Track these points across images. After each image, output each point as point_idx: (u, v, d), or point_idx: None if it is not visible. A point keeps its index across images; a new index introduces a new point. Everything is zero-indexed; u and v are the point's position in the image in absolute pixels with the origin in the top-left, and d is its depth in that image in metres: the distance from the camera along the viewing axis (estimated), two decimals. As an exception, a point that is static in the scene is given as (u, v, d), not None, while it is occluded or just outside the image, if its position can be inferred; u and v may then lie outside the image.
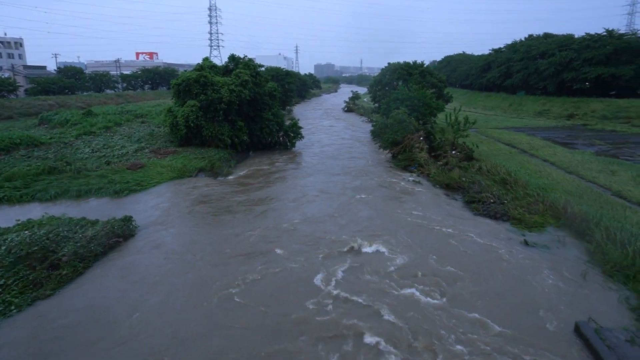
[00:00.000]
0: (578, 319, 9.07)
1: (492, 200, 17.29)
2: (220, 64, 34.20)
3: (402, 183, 21.47)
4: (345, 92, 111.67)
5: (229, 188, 20.69)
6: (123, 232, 14.06)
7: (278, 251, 13.08)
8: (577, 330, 8.78)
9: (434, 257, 12.66)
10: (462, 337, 8.88)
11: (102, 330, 9.13)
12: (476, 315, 9.58)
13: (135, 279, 11.47)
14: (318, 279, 11.32)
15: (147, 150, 26.92)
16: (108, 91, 75.60)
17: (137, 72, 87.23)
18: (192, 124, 27.13)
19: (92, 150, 26.04)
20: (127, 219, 14.71)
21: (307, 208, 17.60)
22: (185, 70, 32.46)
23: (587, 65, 49.97)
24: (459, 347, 8.56)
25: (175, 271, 11.97)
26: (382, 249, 13.18)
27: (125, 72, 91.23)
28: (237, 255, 13.04)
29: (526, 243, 13.44)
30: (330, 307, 10.05)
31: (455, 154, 25.23)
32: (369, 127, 41.90)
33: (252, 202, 18.45)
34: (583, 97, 51.30)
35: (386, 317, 9.58)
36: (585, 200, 16.41)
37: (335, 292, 10.69)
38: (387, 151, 28.38)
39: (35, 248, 11.92)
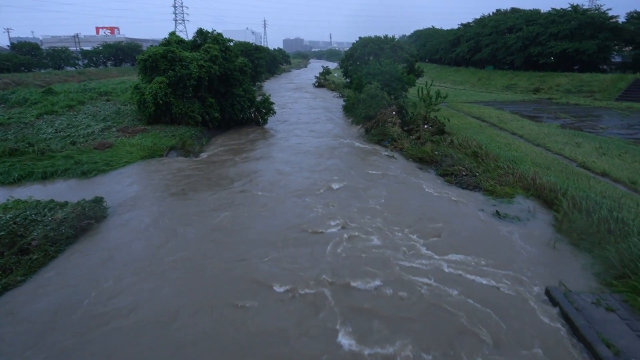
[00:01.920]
0: (548, 284, 9.50)
1: (464, 173, 17.67)
2: (187, 39, 33.05)
3: (377, 158, 21.62)
4: (315, 67, 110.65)
5: (202, 166, 20.35)
6: (95, 213, 13.64)
7: (258, 228, 13.08)
8: (548, 294, 9.20)
9: (412, 210, 13.30)
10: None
11: (79, 313, 8.93)
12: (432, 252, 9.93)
13: (109, 260, 11.18)
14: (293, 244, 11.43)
15: (114, 129, 25.96)
16: (68, 68, 71.94)
17: (98, 47, 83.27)
18: (160, 101, 26.29)
19: (56, 130, 24.92)
20: (98, 200, 14.28)
21: (282, 183, 17.63)
22: (151, 46, 31.20)
23: (553, 40, 51.06)
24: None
25: (150, 251, 11.75)
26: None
27: (85, 48, 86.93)
28: (213, 232, 13.02)
29: (498, 214, 13.85)
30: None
31: (427, 128, 25.52)
32: (340, 102, 41.93)
33: (227, 179, 18.26)
34: (549, 71, 52.58)
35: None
36: (552, 171, 17.00)
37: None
38: (360, 126, 28.43)
39: (2, 233, 11.43)
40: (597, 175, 16.76)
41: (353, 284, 10.04)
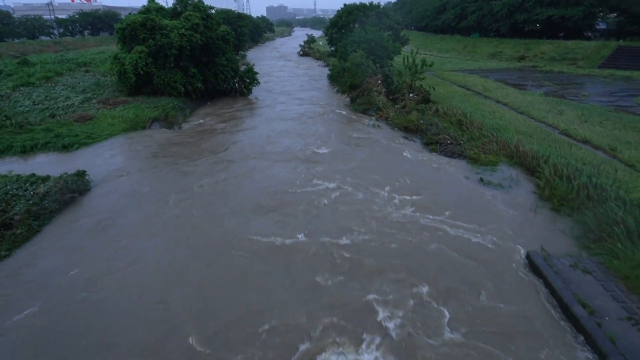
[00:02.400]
0: (529, 247, 9.81)
1: (449, 142, 17.80)
2: (167, 7, 31.97)
3: (362, 126, 21.59)
4: (299, 35, 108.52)
5: (186, 137, 20.11)
6: (78, 187, 13.47)
7: (244, 192, 13.12)
8: (529, 258, 9.50)
9: (395, 174, 14.24)
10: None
11: (65, 287, 8.95)
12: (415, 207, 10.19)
13: (95, 233, 11.13)
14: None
15: (94, 100, 25.30)
16: (43, 38, 69.05)
17: (74, 16, 79.90)
18: (141, 72, 25.61)
19: (34, 102, 24.17)
20: (81, 174, 14.07)
21: (268, 149, 17.79)
22: (130, 14, 30.13)
23: (539, 7, 50.63)
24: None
25: (139, 216, 11.76)
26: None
27: (60, 17, 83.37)
28: (202, 195, 13.51)
29: (482, 181, 14.08)
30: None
31: (412, 96, 25.45)
32: (325, 71, 41.40)
33: (212, 148, 18.19)
34: (534, 38, 52.41)
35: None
36: (535, 139, 17.23)
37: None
38: (346, 95, 28.22)
39: (-17, 208, 11.30)
40: (578, 142, 17.04)
41: (337, 234, 10.95)
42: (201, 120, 23.86)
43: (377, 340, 7.41)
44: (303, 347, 7.23)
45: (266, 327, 7.72)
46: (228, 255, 10.10)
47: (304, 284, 9.01)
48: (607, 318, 7.46)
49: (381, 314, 7.98)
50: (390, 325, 7.75)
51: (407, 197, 13.08)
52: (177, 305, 8.35)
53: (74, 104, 24.17)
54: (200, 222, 11.74)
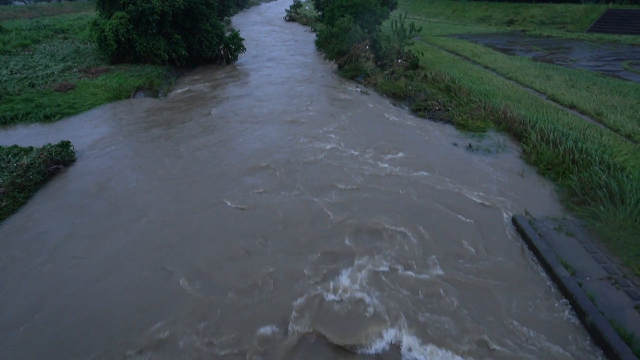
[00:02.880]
0: (514, 209, 9.99)
1: (437, 108, 17.75)
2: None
3: (349, 94, 21.37)
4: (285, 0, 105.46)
5: (172, 106, 19.73)
6: (62, 158, 13.25)
7: (232, 157, 13.06)
8: (514, 222, 9.68)
9: (381, 136, 15.02)
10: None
11: (54, 257, 8.94)
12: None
13: (81, 204, 11.02)
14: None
15: (75, 69, 24.57)
16: (17, 3, 66.13)
17: (48, -21, 76.51)
18: (122, 39, 24.84)
19: (11, 71, 23.37)
20: (65, 144, 13.80)
21: (256, 112, 17.89)
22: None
23: (529, -32, 49.69)
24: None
25: (122, 193, 11.63)
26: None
27: (34, -20, 79.69)
28: (195, 153, 14.19)
29: (470, 147, 14.14)
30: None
31: (401, 62, 25.17)
32: (312, 37, 40.54)
33: (201, 114, 18.12)
34: (523, 2, 51.60)
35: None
36: (523, 104, 17.26)
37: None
38: (333, 62, 27.77)
39: (-35, 180, 11.08)
40: (565, 107, 17.11)
41: (325, 186, 11.82)
42: (187, 88, 23.38)
43: (364, 274, 8.19)
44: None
45: (259, 265, 8.64)
46: (223, 206, 10.88)
47: (294, 230, 9.81)
48: (587, 278, 7.70)
49: (360, 256, 8.43)
50: (370, 264, 8.41)
51: (394, 156, 13.62)
52: (179, 250, 9.14)
53: (53, 72, 23.45)
54: (194, 180, 12.33)
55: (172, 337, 6.83)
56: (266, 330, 6.93)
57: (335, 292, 7.75)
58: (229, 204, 10.94)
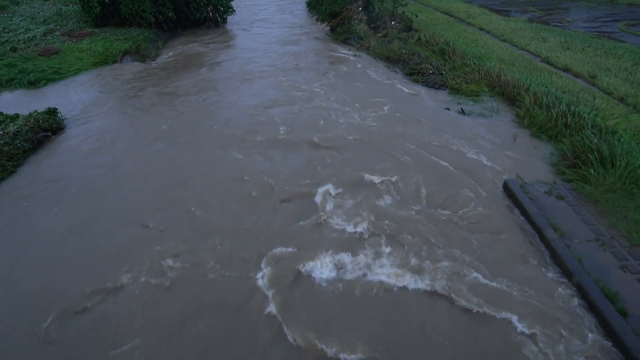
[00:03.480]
0: (507, 177, 10.07)
1: (431, 72, 17.53)
2: None
3: (342, 58, 20.99)
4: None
5: (161, 71, 19.29)
6: (50, 125, 13.01)
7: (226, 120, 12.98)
8: (505, 186, 9.78)
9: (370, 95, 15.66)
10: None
11: (52, 226, 8.96)
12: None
13: (72, 173, 10.92)
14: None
15: (57, 32, 23.71)
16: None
17: None
18: (106, 0, 23.93)
19: (-10, 35, 22.62)
20: (52, 111, 13.53)
21: (250, 83, 17.40)
22: None
23: None
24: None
25: (116, 160, 11.53)
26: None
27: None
28: (190, 110, 14.64)
29: (462, 111, 14.09)
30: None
31: (394, 24, 24.60)
32: (303, -1, 39.37)
33: (192, 77, 17.89)
34: (520, -40, 50.15)
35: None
36: (517, 67, 17.09)
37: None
38: (325, 24, 27.09)
39: (-49, 149, 10.89)
40: (559, 70, 16.98)
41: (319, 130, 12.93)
42: (175, 52, 22.80)
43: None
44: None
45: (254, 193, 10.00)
46: (223, 149, 11.94)
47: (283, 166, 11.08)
48: (576, 240, 7.88)
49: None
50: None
51: (386, 114, 14.09)
52: (184, 190, 10.12)
53: (35, 36, 22.66)
54: (194, 132, 13.07)
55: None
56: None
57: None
58: (228, 148, 12.00)
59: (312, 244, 8.16)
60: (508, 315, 6.56)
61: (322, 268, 7.56)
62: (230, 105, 15.16)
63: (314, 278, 7.37)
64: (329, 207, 9.24)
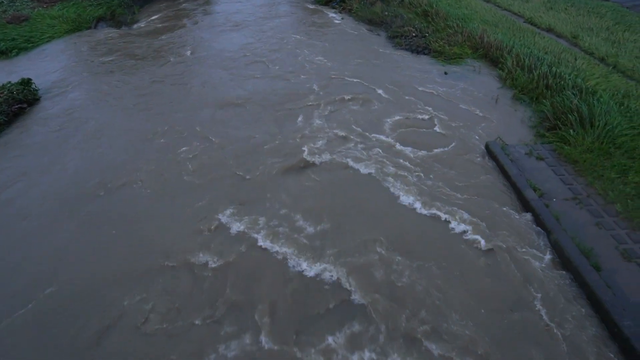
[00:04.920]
0: (488, 139, 10.18)
1: (414, 34, 17.29)
2: None
3: (323, 20, 20.54)
4: None
5: (138, 38, 18.66)
6: (25, 97, 12.64)
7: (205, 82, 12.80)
8: (487, 148, 9.90)
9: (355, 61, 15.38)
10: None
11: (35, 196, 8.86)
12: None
13: (51, 145, 10.70)
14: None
15: (26, -2, 22.69)
16: None
17: None
18: (76, -37, 22.76)
19: (-46, 1, 21.49)
20: (26, 82, 13.12)
21: (231, 48, 17.00)
22: None
23: None
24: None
25: (96, 129, 11.30)
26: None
27: None
28: (172, 75, 14.44)
29: (445, 74, 14.04)
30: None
31: (377, -14, 23.98)
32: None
33: (169, 49, 17.12)
34: None
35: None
36: (500, 28, 16.95)
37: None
38: (306, -14, 26.31)
39: None
40: (542, 30, 16.90)
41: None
42: (153, 17, 22.02)
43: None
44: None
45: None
46: (205, 109, 12.24)
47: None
48: (554, 199, 8.09)
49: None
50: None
51: (361, 76, 14.04)
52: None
53: (2, 2, 21.59)
54: (178, 93, 13.28)
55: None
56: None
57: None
58: (214, 107, 12.34)
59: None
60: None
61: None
62: (215, 67, 15.13)
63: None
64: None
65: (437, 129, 10.90)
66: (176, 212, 8.22)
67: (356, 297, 6.38)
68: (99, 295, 6.54)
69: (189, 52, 16.45)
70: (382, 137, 10.52)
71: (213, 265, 6.97)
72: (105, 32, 19.28)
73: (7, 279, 6.92)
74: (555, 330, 5.91)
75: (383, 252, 7.16)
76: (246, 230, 7.67)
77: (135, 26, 20.71)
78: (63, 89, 13.68)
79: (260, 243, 7.38)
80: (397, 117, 11.49)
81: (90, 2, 22.02)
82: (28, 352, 5.80)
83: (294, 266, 6.93)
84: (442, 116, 11.44)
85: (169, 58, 15.96)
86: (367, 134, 10.65)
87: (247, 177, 9.14)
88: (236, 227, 7.77)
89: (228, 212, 8.10)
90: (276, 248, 7.28)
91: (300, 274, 6.80)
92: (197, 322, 6.09)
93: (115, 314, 6.22)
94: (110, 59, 15.95)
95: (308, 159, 9.68)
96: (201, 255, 7.19)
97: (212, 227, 7.77)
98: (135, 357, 5.69)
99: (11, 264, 7.20)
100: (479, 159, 9.71)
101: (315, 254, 7.13)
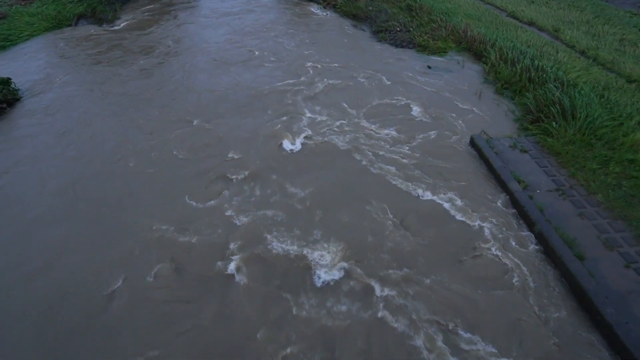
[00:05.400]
0: (473, 133, 10.28)
1: (398, 29, 17.33)
2: None
3: (307, 16, 20.46)
4: None
5: (121, 36, 18.31)
6: (5, 96, 12.35)
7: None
8: (472, 142, 10.00)
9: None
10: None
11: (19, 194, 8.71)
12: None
13: (32, 147, 10.47)
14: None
15: (3, -5, 22.14)
16: None
17: None
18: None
19: None
20: (5, 82, 12.79)
21: (215, 43, 16.81)
22: None
23: None
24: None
25: (76, 130, 11.11)
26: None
27: None
28: (157, 82, 13.79)
29: (429, 68, 14.13)
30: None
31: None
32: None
33: (152, 48, 16.84)
34: None
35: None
36: (483, 22, 17.10)
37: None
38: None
39: None
40: (525, 24, 17.09)
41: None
42: (135, 14, 21.60)
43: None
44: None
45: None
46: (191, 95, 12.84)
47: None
48: (538, 191, 8.22)
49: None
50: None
51: (348, 71, 14.14)
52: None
53: (-21, 0, 21.07)
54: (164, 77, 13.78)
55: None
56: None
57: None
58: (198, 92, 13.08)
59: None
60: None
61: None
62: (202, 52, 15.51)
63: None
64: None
65: (422, 119, 11.03)
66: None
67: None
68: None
69: (172, 48, 16.32)
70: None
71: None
72: (86, 29, 18.91)
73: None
74: (536, 312, 6.06)
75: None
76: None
77: (117, 23, 20.34)
78: (44, 88, 13.39)
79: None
80: (376, 102, 11.76)
81: (70, -1, 21.56)
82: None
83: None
84: (426, 111, 11.51)
85: (152, 52, 15.88)
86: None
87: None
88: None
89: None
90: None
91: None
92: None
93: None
94: (92, 55, 15.67)
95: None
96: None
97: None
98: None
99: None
100: (463, 149, 9.83)
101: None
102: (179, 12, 21.59)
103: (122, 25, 19.93)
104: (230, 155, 9.77)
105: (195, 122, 11.15)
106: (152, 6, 22.81)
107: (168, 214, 8.09)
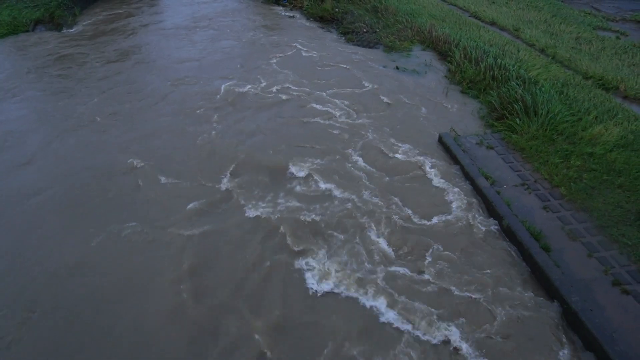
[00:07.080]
0: (440, 131, 10.50)
1: (365, 30, 17.55)
2: None
3: (274, 18, 20.44)
4: None
5: (80, 42, 17.75)
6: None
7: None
8: (440, 140, 10.22)
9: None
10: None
11: None
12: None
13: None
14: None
15: (-47, 0, 21.09)
16: None
17: None
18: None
19: None
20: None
21: (180, 52, 16.47)
22: None
23: None
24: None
25: (35, 142, 10.74)
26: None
27: None
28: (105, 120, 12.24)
29: (397, 68, 14.34)
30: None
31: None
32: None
33: (113, 54, 16.42)
34: None
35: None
36: (447, 23, 17.48)
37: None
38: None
39: None
40: (486, 24, 17.58)
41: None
42: (94, 19, 21.00)
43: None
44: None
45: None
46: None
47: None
48: (505, 186, 8.47)
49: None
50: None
51: (320, 76, 14.04)
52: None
53: None
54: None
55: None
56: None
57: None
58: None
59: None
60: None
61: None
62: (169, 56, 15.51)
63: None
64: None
65: (389, 123, 11.15)
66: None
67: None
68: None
69: (132, 59, 15.69)
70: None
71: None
72: (45, 35, 18.25)
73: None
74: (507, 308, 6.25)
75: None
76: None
77: (76, 28, 19.73)
78: (4, 95, 12.87)
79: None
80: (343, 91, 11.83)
81: (25, 4, 20.70)
82: None
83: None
84: (393, 110, 11.70)
85: (109, 56, 15.65)
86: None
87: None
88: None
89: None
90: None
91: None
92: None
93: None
94: (50, 66, 15.08)
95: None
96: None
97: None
98: None
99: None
100: (432, 148, 10.03)
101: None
102: (141, 15, 21.22)
103: (81, 29, 19.38)
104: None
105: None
106: (112, 11, 22.25)
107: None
